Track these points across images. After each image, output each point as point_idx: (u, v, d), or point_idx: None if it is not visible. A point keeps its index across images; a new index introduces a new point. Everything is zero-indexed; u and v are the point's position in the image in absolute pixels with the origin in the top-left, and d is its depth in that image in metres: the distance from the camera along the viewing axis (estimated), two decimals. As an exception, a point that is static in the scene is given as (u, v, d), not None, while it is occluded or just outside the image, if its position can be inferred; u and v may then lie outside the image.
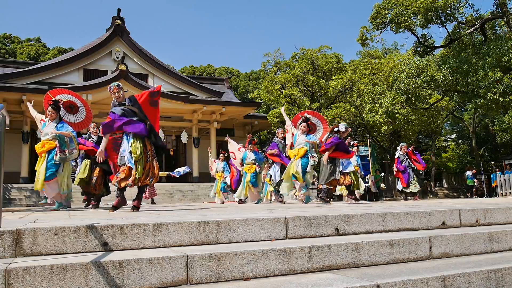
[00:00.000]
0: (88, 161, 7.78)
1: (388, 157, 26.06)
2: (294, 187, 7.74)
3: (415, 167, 11.88)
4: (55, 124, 6.62)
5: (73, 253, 2.46)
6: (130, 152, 5.06)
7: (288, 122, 8.57)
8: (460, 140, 38.44)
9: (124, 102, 5.38)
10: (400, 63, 21.31)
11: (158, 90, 5.55)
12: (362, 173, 12.88)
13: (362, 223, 3.38)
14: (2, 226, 2.45)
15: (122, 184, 5.08)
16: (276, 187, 9.95)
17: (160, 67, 25.50)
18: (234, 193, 11.80)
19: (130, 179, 5.05)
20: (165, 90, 23.11)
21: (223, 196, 13.31)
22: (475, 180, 21.78)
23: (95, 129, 8.69)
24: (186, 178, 23.30)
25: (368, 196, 15.48)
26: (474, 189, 21.78)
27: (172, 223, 2.74)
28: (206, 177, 22.00)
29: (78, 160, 8.00)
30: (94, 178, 7.58)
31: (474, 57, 16.08)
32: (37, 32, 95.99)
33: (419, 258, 3.05)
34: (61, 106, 6.96)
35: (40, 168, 6.36)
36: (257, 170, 10.34)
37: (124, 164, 5.12)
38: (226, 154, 12.99)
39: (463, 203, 6.09)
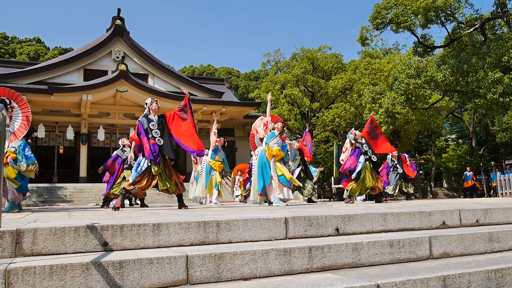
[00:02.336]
0: None
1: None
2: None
3: (404, 172, 12.81)
4: None
5: (73, 253, 2.45)
6: None
7: (268, 116, 7.66)
8: (460, 140, 38.43)
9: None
10: (400, 63, 21.31)
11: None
12: None
13: (362, 223, 3.37)
14: (2, 226, 2.45)
15: None
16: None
17: (160, 67, 25.50)
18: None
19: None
20: (165, 90, 23.12)
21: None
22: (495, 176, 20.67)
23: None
24: (185, 178, 23.28)
25: (369, 196, 15.47)
26: (492, 186, 19.95)
27: (172, 223, 2.74)
28: (206, 177, 21.95)
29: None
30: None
31: (474, 57, 16.07)
32: (36, 32, 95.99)
33: (419, 258, 3.05)
34: None
35: None
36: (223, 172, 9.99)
37: None
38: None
39: (463, 203, 6.09)
